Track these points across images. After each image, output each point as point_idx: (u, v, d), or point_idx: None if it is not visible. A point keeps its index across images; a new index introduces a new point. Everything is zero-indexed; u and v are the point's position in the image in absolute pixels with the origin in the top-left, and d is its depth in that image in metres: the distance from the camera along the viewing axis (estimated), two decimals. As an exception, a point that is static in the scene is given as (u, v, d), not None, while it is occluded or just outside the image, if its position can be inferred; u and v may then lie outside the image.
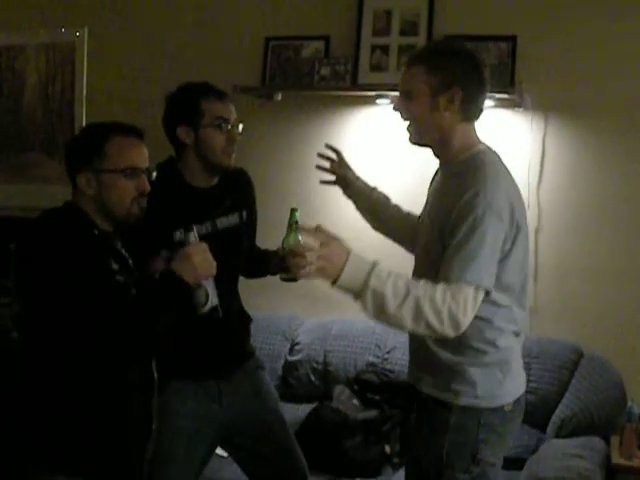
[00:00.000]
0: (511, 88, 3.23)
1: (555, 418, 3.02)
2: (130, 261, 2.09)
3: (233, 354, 2.42)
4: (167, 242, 2.19)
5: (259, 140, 3.65)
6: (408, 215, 2.34)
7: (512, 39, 3.32)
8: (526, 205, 2.06)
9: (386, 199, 2.39)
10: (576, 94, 3.29)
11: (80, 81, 4.08)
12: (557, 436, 2.97)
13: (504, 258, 1.91)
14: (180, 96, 2.28)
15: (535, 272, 3.32)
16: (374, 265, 1.85)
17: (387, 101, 3.39)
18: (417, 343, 2.06)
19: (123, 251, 2.08)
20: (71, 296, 1.84)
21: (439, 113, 1.95)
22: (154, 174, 2.07)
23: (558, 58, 3.30)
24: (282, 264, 2.03)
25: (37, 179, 4.18)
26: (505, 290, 1.94)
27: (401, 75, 2.02)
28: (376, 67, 3.50)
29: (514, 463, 2.74)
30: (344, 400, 3.20)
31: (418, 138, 2.03)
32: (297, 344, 3.54)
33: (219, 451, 2.58)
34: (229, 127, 2.26)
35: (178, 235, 2.21)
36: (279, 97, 3.63)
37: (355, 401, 3.21)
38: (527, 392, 2.81)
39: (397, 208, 2.37)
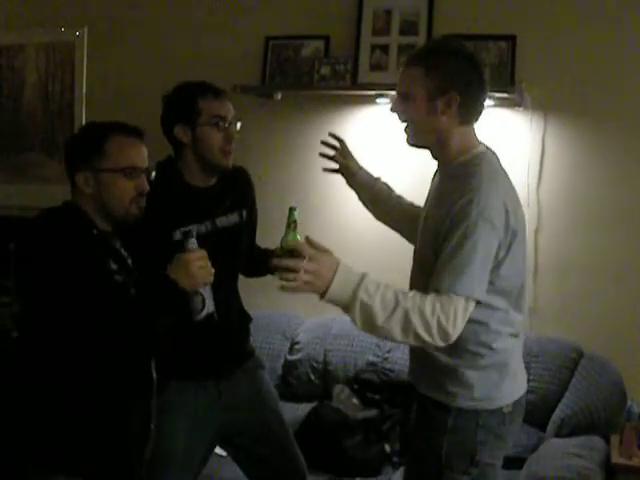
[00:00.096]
0: (511, 87, 3.22)
1: (555, 417, 3.02)
2: (129, 261, 2.09)
3: (233, 354, 2.42)
4: (166, 241, 2.19)
5: (259, 139, 3.66)
6: (411, 206, 2.32)
7: (512, 38, 3.32)
8: (526, 205, 2.06)
9: (389, 189, 2.38)
10: (576, 93, 3.29)
11: (80, 81, 4.09)
12: (557, 435, 2.97)
13: (499, 265, 1.89)
14: (177, 95, 2.28)
15: (535, 272, 3.32)
16: (362, 277, 1.83)
17: (387, 100, 3.39)
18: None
19: (122, 251, 2.08)
20: (69, 296, 1.84)
21: (436, 116, 1.94)
22: (153, 174, 2.07)
23: (558, 57, 3.30)
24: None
25: (37, 179, 4.19)
26: (501, 294, 1.93)
27: (399, 75, 2.00)
28: (376, 66, 3.50)
29: (514, 462, 2.74)
30: (344, 399, 3.20)
31: (415, 140, 2.02)
32: (297, 343, 3.54)
33: (218, 450, 2.58)
34: (226, 125, 2.25)
35: (177, 235, 2.21)
36: (279, 96, 3.63)
37: (355, 400, 3.21)
38: (527, 391, 2.81)
39: (400, 199, 2.36)
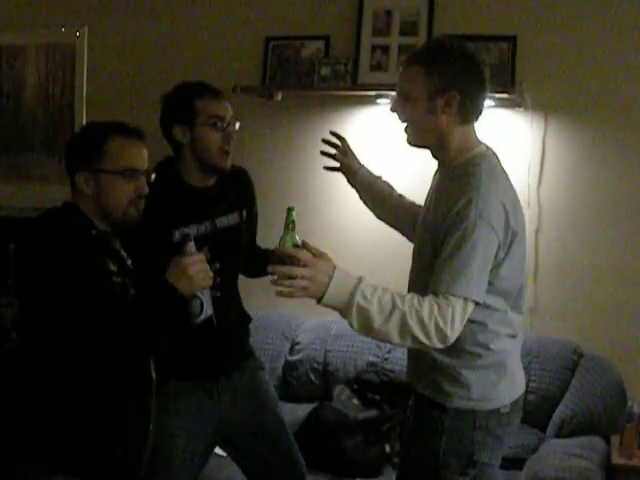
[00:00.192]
0: (511, 88, 3.23)
1: (555, 418, 3.02)
2: (129, 261, 2.08)
3: (232, 354, 2.42)
4: (166, 242, 2.18)
5: (259, 140, 3.66)
6: (412, 205, 2.32)
7: (512, 39, 3.32)
8: (526, 205, 2.06)
9: (390, 188, 2.37)
10: (576, 94, 3.29)
11: (80, 81, 4.08)
12: (557, 436, 2.97)
13: (498, 266, 1.89)
14: (175, 96, 2.28)
15: (535, 272, 3.33)
16: (359, 281, 1.82)
17: (387, 101, 3.38)
18: None
19: (122, 251, 2.07)
20: (66, 296, 1.83)
21: (436, 116, 1.93)
22: (153, 176, 2.06)
23: (558, 58, 3.30)
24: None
25: (37, 179, 4.18)
26: (500, 294, 1.93)
27: (399, 75, 2.00)
28: (376, 67, 3.50)
29: (514, 463, 2.75)
30: (344, 400, 3.20)
31: (415, 140, 2.01)
32: (297, 344, 3.54)
33: (218, 451, 2.58)
34: (225, 125, 2.25)
35: (177, 235, 2.21)
36: (279, 97, 3.63)
37: (355, 401, 3.21)
38: (527, 392, 2.81)
39: (401, 198, 2.36)
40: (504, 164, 2.03)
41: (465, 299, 1.83)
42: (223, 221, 2.35)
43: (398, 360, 3.30)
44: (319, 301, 1.82)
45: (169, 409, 2.23)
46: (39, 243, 1.89)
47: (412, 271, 2.10)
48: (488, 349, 1.95)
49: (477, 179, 1.89)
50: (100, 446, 1.94)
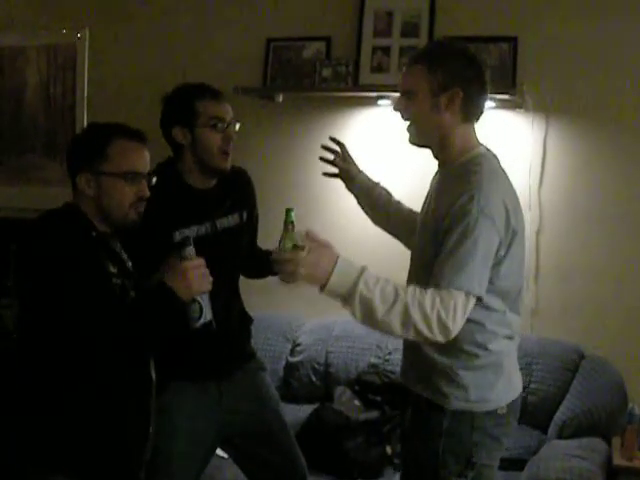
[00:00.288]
0: (512, 89, 3.22)
1: (556, 419, 3.01)
2: (129, 263, 2.08)
3: (233, 355, 2.42)
4: (166, 243, 2.18)
5: (260, 141, 3.66)
6: (410, 212, 2.32)
7: (513, 40, 3.31)
8: (527, 206, 2.06)
9: (388, 195, 2.38)
10: (577, 95, 3.29)
11: (81, 83, 4.09)
12: (558, 437, 2.97)
13: (498, 264, 1.89)
14: (175, 97, 2.29)
15: (536, 273, 3.32)
16: (362, 271, 1.83)
17: (388, 102, 3.39)
18: (409, 343, 2.05)
19: (122, 253, 2.07)
20: (67, 298, 1.83)
21: (439, 113, 1.95)
22: (154, 179, 2.06)
23: (559, 59, 3.30)
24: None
25: (38, 181, 4.19)
26: (499, 294, 1.93)
27: (402, 74, 2.01)
28: (377, 68, 3.50)
29: (515, 464, 2.74)
30: (345, 401, 3.20)
31: (418, 138, 2.02)
32: (298, 345, 3.54)
33: (219, 452, 2.58)
34: (225, 126, 2.26)
35: (177, 236, 2.21)
36: (280, 98, 3.63)
37: (356, 402, 3.20)
38: (528, 393, 2.81)
39: (399, 204, 2.37)
40: (505, 165, 2.03)
41: (467, 293, 1.83)
42: (223, 222, 2.35)
43: (399, 361, 3.26)
44: (322, 289, 1.83)
45: (170, 410, 2.23)
46: (39, 244, 1.89)
47: (410, 273, 2.10)
48: (486, 349, 1.95)
49: (479, 177, 1.90)
50: (100, 447, 1.94)
